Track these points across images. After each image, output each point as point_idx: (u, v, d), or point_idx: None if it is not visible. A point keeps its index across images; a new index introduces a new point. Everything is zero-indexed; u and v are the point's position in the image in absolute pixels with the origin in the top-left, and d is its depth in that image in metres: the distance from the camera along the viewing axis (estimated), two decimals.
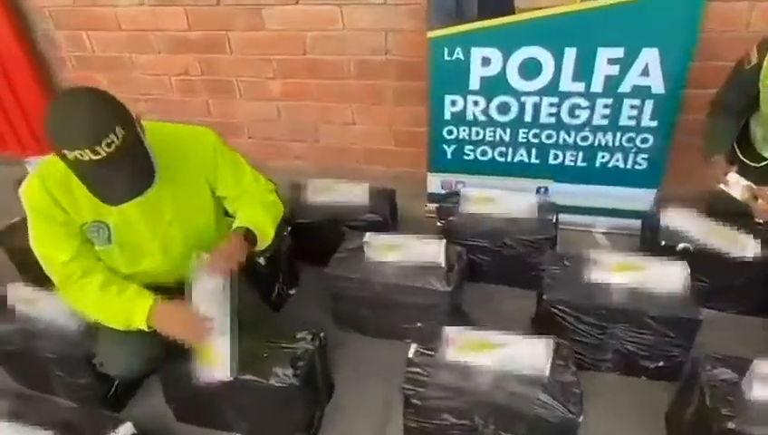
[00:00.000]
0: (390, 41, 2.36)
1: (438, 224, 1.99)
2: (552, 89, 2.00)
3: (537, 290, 1.83)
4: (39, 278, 2.02)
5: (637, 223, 2.20)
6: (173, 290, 1.44)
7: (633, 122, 2.00)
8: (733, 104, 1.71)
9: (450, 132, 2.21)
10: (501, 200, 1.94)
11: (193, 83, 2.76)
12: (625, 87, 1.93)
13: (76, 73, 2.91)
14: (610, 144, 2.07)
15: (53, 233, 1.23)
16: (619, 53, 1.87)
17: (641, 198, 2.17)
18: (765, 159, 1.72)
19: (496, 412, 1.27)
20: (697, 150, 2.15)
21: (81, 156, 1.03)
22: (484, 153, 2.23)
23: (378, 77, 2.48)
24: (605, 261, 1.57)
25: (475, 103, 2.10)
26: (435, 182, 2.38)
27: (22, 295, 1.60)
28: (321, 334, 1.48)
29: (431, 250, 1.68)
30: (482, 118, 2.13)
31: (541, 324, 1.70)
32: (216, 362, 1.30)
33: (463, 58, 2.01)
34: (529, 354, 1.30)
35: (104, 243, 1.29)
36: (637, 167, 2.10)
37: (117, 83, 2.88)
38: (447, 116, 2.16)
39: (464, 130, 2.19)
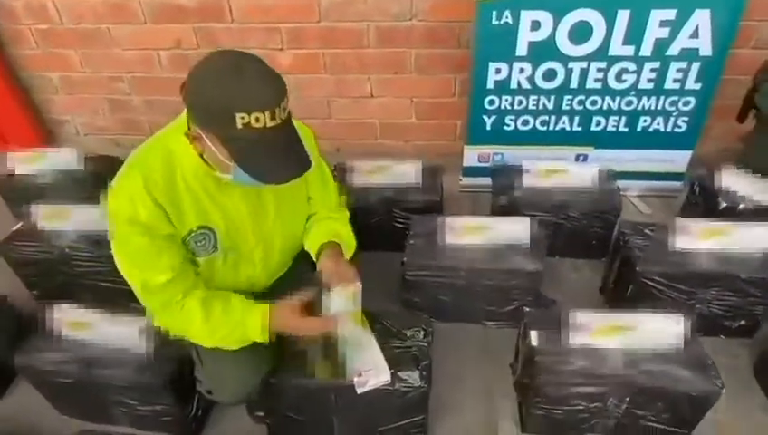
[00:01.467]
0: (417, 4, 2.21)
1: (498, 201, 1.93)
2: (601, 53, 1.95)
3: (607, 260, 1.85)
4: (51, 293, 1.81)
5: (671, 184, 2.27)
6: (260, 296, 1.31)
7: (678, 86, 2.01)
8: None
9: (492, 102, 2.12)
10: (564, 172, 1.90)
11: (187, 58, 2.46)
12: (673, 50, 1.92)
13: (41, 50, 2.51)
14: (654, 108, 2.08)
15: (155, 250, 1.04)
16: (671, 14, 1.85)
17: (677, 159, 2.22)
18: None
19: (633, 393, 1.26)
20: (721, 110, 2.24)
21: (257, 120, 0.86)
22: (525, 123, 2.17)
23: (400, 45, 2.33)
24: (690, 228, 1.58)
25: (521, 70, 2.02)
26: (471, 155, 2.30)
27: (71, 319, 1.38)
28: (431, 329, 1.39)
29: (516, 229, 1.62)
30: (526, 86, 2.06)
31: (618, 295, 1.71)
32: (365, 366, 1.24)
33: (511, 22, 1.91)
34: (659, 331, 1.29)
35: (210, 251, 1.12)
36: (676, 129, 2.13)
37: (93, 61, 2.53)
38: (490, 85, 2.07)
39: (506, 100, 2.11)
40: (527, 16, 1.89)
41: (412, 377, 1.25)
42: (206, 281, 1.17)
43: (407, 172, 1.96)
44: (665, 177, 2.27)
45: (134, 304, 1.16)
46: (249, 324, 1.12)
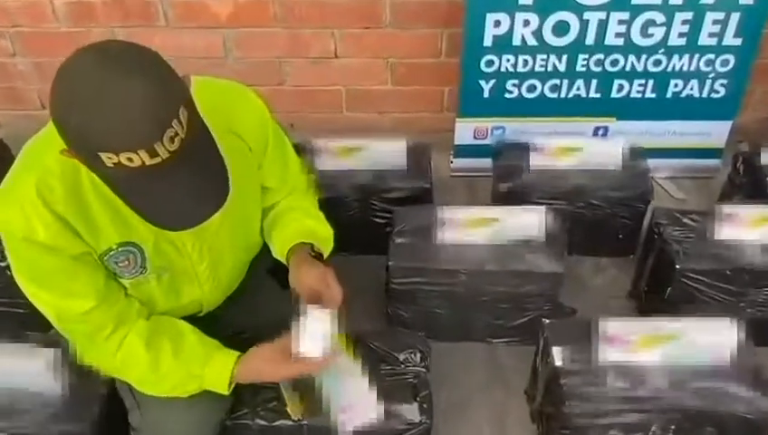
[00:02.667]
0: None
1: (501, 187, 1.96)
2: (622, 1, 2.00)
3: (638, 257, 1.91)
4: None
5: (707, 163, 2.36)
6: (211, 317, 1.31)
7: (714, 41, 2.09)
8: None
9: (490, 63, 2.15)
10: (582, 150, 1.94)
11: (91, 7, 2.38)
12: None
13: None
14: (686, 69, 2.15)
15: (66, 273, 1.01)
16: None
17: (715, 132, 2.31)
18: None
19: (679, 418, 1.31)
20: (762, 71, 2.33)
21: (131, 160, 0.80)
22: (531, 89, 2.21)
23: None
24: (738, 215, 1.65)
25: (526, 23, 2.05)
26: (465, 130, 2.33)
27: None
28: (428, 350, 1.41)
29: (529, 222, 1.66)
30: (533, 42, 2.10)
31: (653, 299, 1.76)
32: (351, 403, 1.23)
33: None
34: (708, 341, 1.34)
35: (137, 272, 1.10)
36: (713, 95, 2.22)
37: None
38: (488, 42, 2.10)
39: (508, 60, 2.14)
40: None
41: (410, 411, 1.27)
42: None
43: (387, 153, 1.96)
44: (700, 153, 2.36)
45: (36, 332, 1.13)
46: (209, 378, 1.12)
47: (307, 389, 1.26)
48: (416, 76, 2.53)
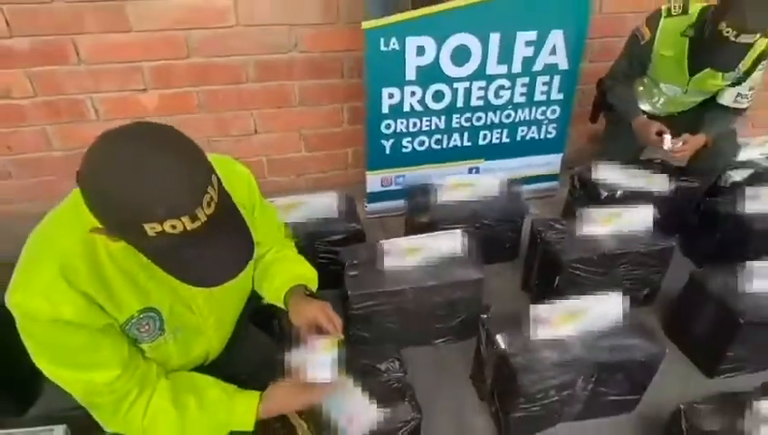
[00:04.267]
0: (296, 36, 2.23)
1: (419, 219, 2.01)
2: (480, 73, 2.19)
3: (525, 258, 2.04)
4: None
5: (549, 184, 2.62)
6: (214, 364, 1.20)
7: (545, 97, 2.34)
8: (630, 73, 2.18)
9: (388, 126, 2.22)
10: (474, 184, 2.07)
11: (21, 109, 2.12)
12: (538, 66, 2.24)
13: None
14: (528, 118, 2.39)
15: (93, 346, 0.88)
16: (533, 35, 2.17)
17: (552, 162, 2.57)
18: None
19: (596, 371, 1.40)
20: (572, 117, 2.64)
21: (174, 227, 0.73)
22: (421, 143, 2.32)
23: (282, 78, 2.32)
24: (591, 217, 1.82)
25: (412, 94, 2.17)
26: (374, 181, 2.36)
27: None
28: (402, 357, 1.38)
29: (451, 243, 1.71)
30: (418, 108, 2.21)
31: (544, 288, 1.88)
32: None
33: (398, 48, 2.04)
34: (605, 312, 1.46)
35: (156, 335, 0.99)
36: (548, 136, 2.47)
37: None
38: (385, 110, 2.17)
39: (401, 123, 2.23)
40: (412, 42, 2.05)
41: (403, 411, 1.23)
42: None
43: (322, 205, 1.93)
44: (543, 179, 2.60)
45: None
46: (236, 421, 1.03)
47: (313, 412, 1.18)
48: (325, 143, 2.55)
